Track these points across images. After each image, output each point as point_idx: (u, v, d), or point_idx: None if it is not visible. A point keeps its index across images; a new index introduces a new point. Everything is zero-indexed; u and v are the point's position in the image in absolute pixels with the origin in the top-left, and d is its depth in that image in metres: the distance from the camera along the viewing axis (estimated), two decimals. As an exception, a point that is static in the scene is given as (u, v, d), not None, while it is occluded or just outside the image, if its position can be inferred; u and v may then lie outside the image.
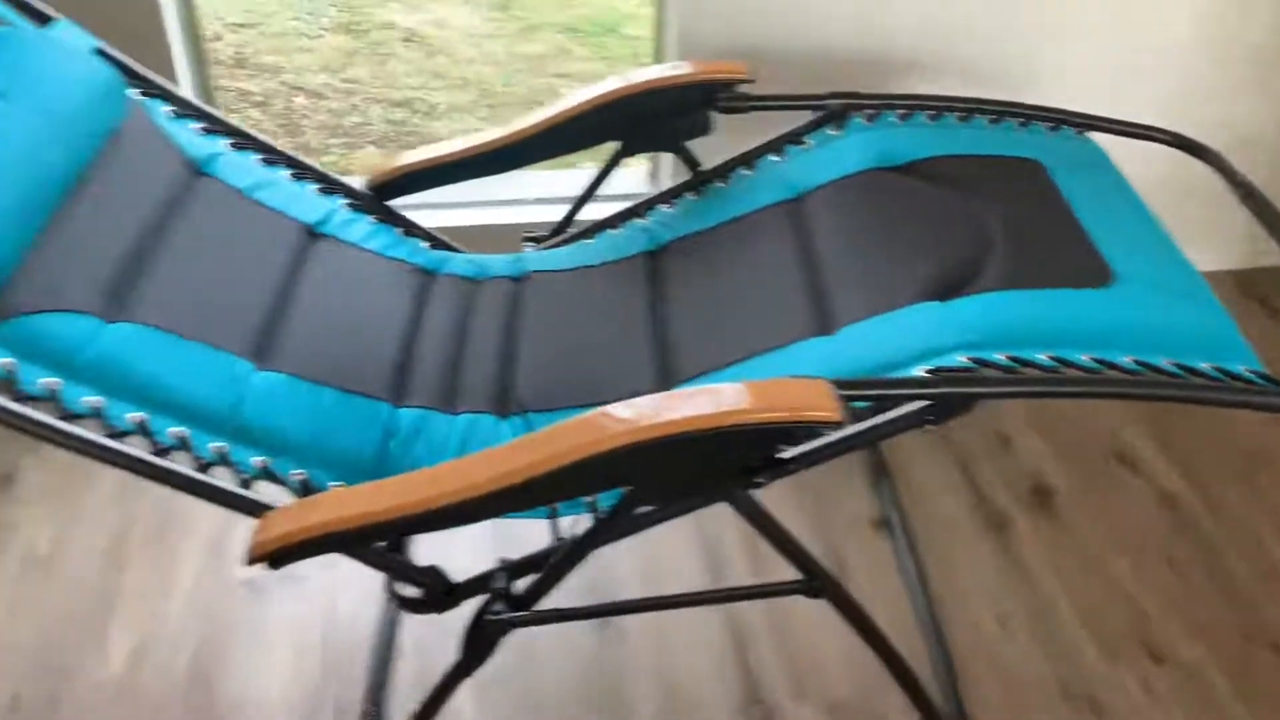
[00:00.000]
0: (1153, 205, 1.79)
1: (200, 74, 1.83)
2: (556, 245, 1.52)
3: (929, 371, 1.03)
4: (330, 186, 1.43)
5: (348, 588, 1.55)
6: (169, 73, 1.71)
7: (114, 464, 1.00)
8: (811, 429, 0.97)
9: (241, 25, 3.83)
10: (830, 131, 1.43)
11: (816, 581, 1.08)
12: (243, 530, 1.59)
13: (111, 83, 1.23)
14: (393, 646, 1.46)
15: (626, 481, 0.99)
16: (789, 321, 1.20)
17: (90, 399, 1.03)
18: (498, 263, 1.45)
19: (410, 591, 1.12)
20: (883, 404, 1.03)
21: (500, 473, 0.97)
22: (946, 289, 1.14)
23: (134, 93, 1.32)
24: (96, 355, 1.05)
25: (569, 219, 1.55)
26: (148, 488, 1.64)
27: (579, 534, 1.06)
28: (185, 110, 1.37)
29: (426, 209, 1.62)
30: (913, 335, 1.09)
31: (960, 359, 1.03)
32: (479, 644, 1.11)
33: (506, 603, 1.09)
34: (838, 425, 0.93)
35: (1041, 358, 1.03)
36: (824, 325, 1.18)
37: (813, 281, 1.25)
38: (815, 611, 1.50)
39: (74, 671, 1.42)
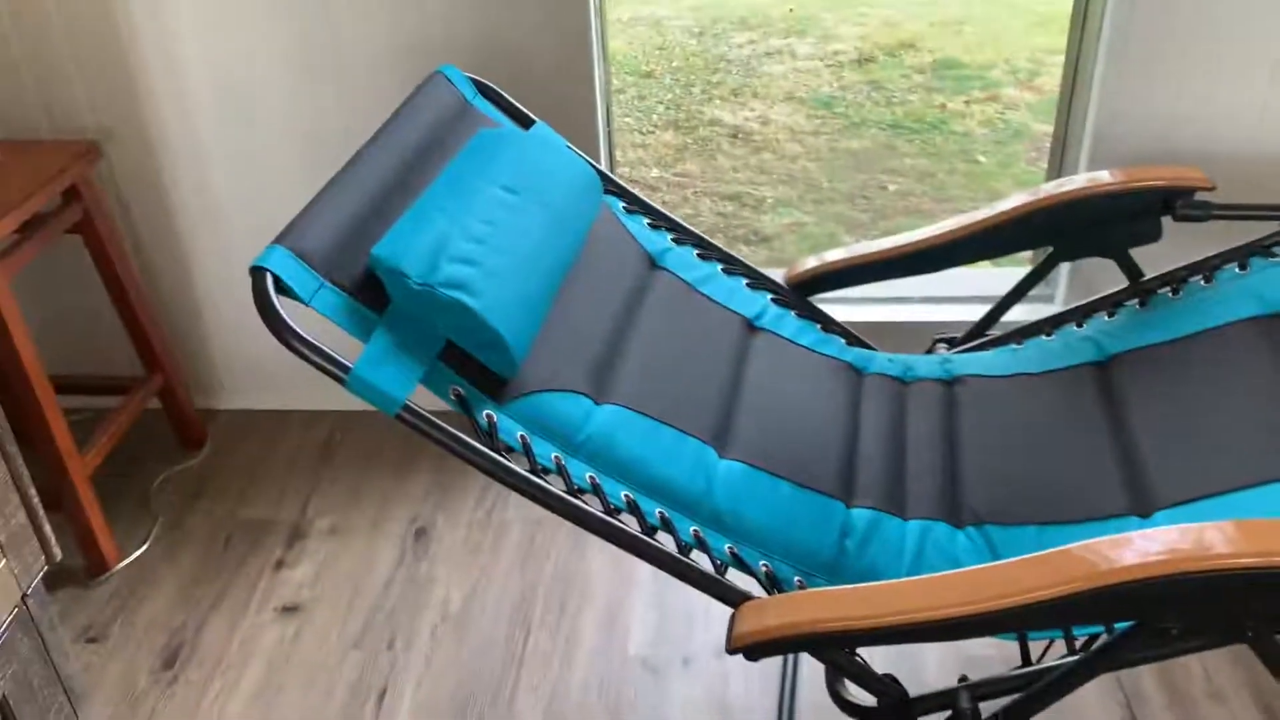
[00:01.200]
0: None
1: (613, 166, 1.95)
2: (975, 349, 1.49)
3: None
4: (756, 281, 1.47)
5: (737, 675, 1.55)
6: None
7: (611, 539, 1.04)
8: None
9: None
10: (1305, 244, 1.33)
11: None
12: (637, 606, 1.66)
13: (591, 179, 1.33)
14: (791, 745, 1.44)
15: (1145, 617, 0.93)
16: (1284, 447, 1.11)
17: (589, 474, 1.09)
18: (923, 364, 1.43)
19: (861, 698, 1.10)
20: None
21: (1000, 594, 0.93)
22: None
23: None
24: (592, 434, 1.11)
25: (988, 325, 1.51)
26: (547, 555, 1.75)
27: (1067, 663, 1.00)
28: (635, 206, 1.45)
29: (831, 303, 1.64)
30: None
31: None
32: (939, 761, 1.07)
33: (973, 723, 1.04)
34: None
35: None
36: (1334, 456, 1.08)
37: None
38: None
39: (489, 729, 1.49)
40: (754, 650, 1.01)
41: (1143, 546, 0.90)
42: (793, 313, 1.46)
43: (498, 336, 1.04)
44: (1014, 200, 1.42)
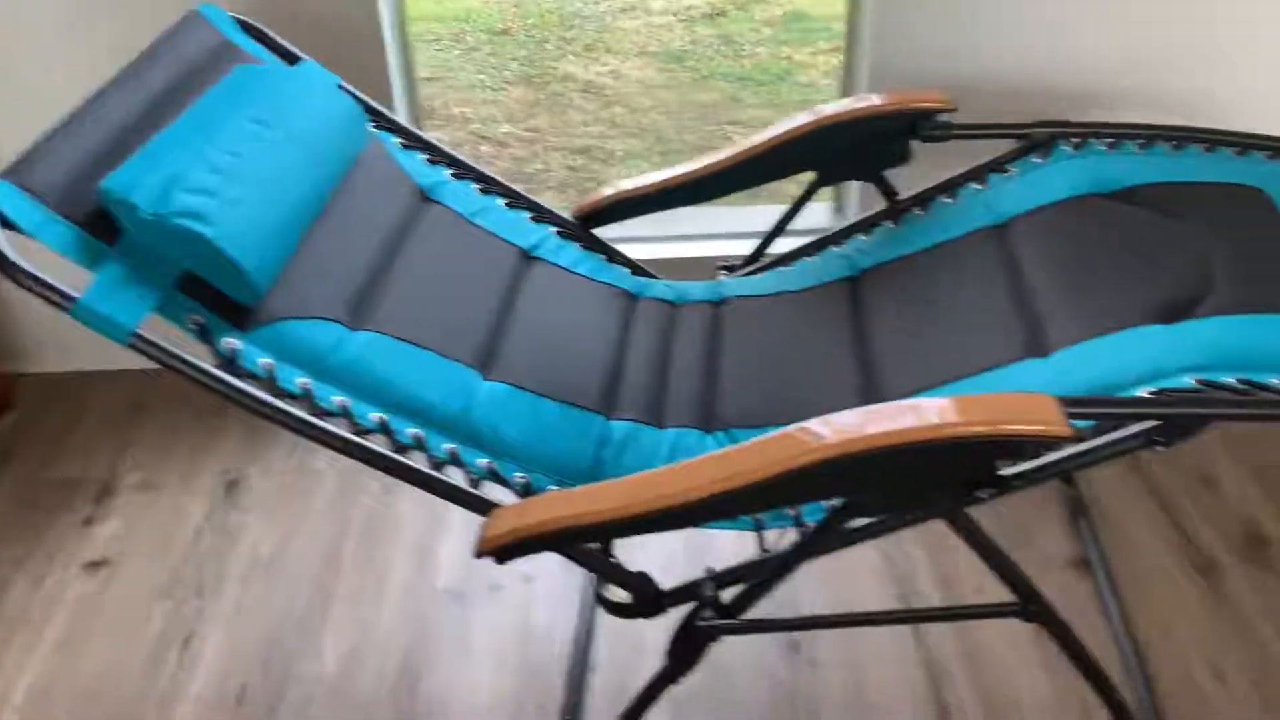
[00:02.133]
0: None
1: (415, 110, 1.96)
2: (751, 274, 1.55)
3: (1153, 393, 1.01)
4: (540, 215, 1.51)
5: (543, 600, 1.60)
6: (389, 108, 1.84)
7: (360, 459, 1.07)
8: (1037, 445, 0.96)
9: (430, 79, 4.06)
10: (1035, 160, 1.43)
11: (1032, 605, 1.06)
12: (446, 542, 1.70)
13: (353, 114, 1.34)
14: (588, 660, 1.50)
15: (841, 493, 1.01)
16: (999, 344, 1.20)
17: (339, 398, 1.12)
18: (697, 288, 1.49)
19: (618, 596, 1.16)
20: (1108, 424, 1.01)
21: (716, 478, 0.99)
22: (1171, 313, 1.12)
23: (369, 125, 1.44)
24: (343, 359, 1.14)
25: (762, 249, 1.58)
26: (359, 502, 1.77)
27: (789, 546, 1.07)
28: (412, 142, 1.47)
29: (627, 242, 1.68)
30: (1136, 358, 1.07)
31: (1188, 380, 1.01)
32: (686, 651, 1.13)
33: (715, 611, 1.11)
34: (1064, 441, 0.92)
35: (1275, 381, 1.00)
36: (1037, 348, 1.17)
37: (1022, 305, 1.24)
38: (1013, 645, 1.49)
39: (294, 669, 1.51)
40: (500, 552, 1.06)
41: (862, 420, 0.96)
42: (577, 244, 1.51)
43: (234, 264, 1.06)
44: (774, 129, 1.48)
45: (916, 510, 1.03)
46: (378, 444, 1.09)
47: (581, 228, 1.53)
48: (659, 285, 1.49)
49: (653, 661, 1.49)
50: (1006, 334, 1.21)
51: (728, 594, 1.12)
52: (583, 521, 1.03)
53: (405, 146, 1.46)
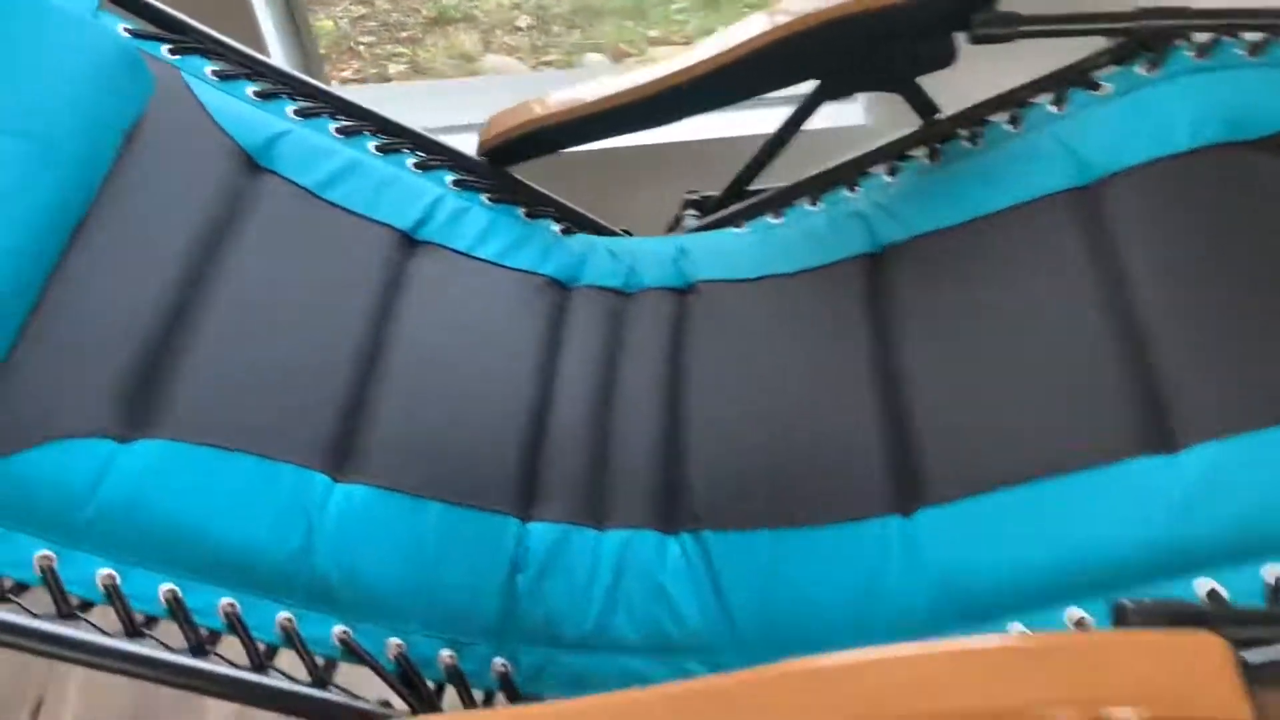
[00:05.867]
0: None
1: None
2: (725, 220, 1.13)
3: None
4: (430, 159, 1.07)
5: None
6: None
7: (129, 675, 0.71)
8: None
9: None
10: (1141, 72, 0.96)
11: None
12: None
13: (123, 59, 0.88)
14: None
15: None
16: (1099, 418, 0.80)
17: (102, 571, 0.74)
18: (652, 261, 1.07)
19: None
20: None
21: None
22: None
23: (165, 49, 0.98)
24: (110, 500, 0.75)
25: (744, 180, 1.14)
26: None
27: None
28: (235, 67, 1.01)
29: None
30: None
31: None
32: None
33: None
34: None
35: None
36: (1158, 436, 0.77)
37: (1132, 343, 0.82)
38: None
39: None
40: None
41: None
42: (483, 197, 1.08)
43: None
44: (763, 24, 1.01)
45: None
46: (168, 638, 0.73)
47: (492, 168, 1.10)
48: (599, 256, 1.07)
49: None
50: (1108, 402, 0.80)
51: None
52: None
53: (223, 77, 1.00)
